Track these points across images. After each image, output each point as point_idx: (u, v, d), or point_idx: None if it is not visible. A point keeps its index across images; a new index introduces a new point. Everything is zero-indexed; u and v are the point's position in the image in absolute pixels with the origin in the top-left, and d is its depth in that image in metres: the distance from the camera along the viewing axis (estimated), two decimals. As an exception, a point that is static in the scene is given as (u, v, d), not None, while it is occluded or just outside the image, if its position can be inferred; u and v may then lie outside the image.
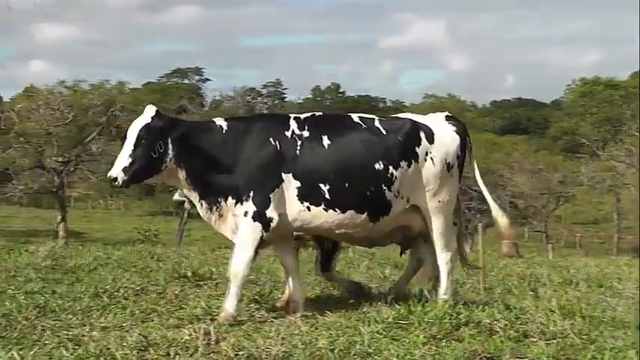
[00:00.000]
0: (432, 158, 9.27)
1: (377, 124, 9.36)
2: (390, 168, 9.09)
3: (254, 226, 8.93)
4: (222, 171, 9.04)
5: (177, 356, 7.09)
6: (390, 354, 7.41)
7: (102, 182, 76.75)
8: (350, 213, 9.08)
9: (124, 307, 9.50)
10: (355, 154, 9.12)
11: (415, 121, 9.51)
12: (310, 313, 9.37)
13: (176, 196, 8.97)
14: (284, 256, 9.75)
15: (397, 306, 9.15)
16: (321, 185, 8.99)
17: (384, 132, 9.27)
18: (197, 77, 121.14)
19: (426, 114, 9.93)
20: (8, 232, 57.49)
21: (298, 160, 9.02)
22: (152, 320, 8.79)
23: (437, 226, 9.45)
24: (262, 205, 8.91)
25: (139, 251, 16.92)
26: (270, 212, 8.92)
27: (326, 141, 9.10)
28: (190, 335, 7.67)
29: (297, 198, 9.00)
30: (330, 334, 8.13)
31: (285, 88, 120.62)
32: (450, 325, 8.47)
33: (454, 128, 9.57)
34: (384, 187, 9.09)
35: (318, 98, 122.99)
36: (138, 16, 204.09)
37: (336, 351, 7.43)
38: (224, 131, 9.21)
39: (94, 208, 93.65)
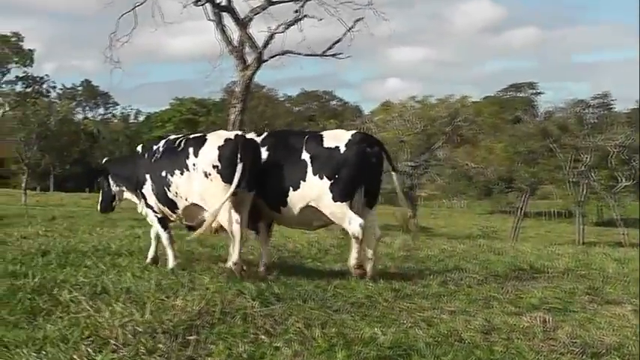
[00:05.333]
0: (196, 168, 10.48)
1: (178, 141, 10.95)
2: (169, 175, 10.78)
3: (150, 212, 11.40)
4: (139, 182, 11.39)
5: (518, 340, 6.97)
6: None
7: (447, 184, 77.94)
8: (161, 207, 11.11)
9: (468, 294, 9.49)
10: (159, 163, 10.97)
11: (192, 138, 10.88)
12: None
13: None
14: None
15: None
16: (153, 186, 11.11)
17: (175, 147, 10.86)
18: (530, 91, 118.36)
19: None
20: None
21: (151, 167, 11.09)
22: (493, 307, 8.70)
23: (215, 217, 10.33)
24: (148, 199, 11.30)
25: (480, 245, 16.84)
26: (151, 203, 11.25)
27: (158, 155, 11.06)
28: (529, 322, 7.52)
29: (153, 195, 11.16)
30: (661, 328, 7.64)
31: (613, 100, 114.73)
32: None
33: (219, 144, 10.42)
34: (166, 189, 10.85)
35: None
36: (480, 38, 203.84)
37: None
38: (139, 153, 11.57)
39: (439, 206, 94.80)
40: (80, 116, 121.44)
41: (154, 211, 11.35)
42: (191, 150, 10.61)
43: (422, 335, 6.93)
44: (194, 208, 10.68)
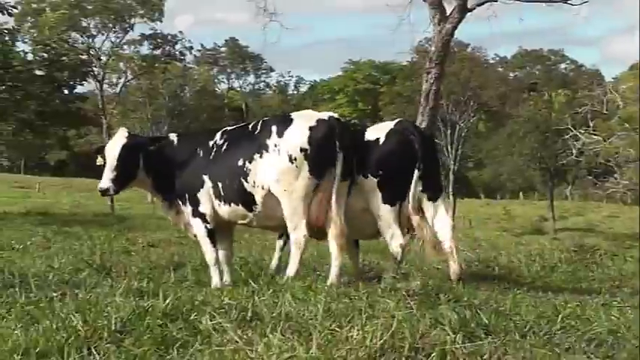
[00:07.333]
0: (278, 150, 11.55)
1: (252, 125, 12.23)
2: (246, 162, 11.76)
3: (195, 221, 12.28)
4: (174, 178, 12.41)
5: None
6: None
7: None
8: (233, 206, 12.00)
9: None
10: (229, 154, 12.03)
11: (275, 118, 12.32)
12: None
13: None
14: (221, 242, 12.52)
15: None
16: (219, 184, 12.05)
17: (250, 131, 12.04)
18: None
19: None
20: (610, 235, 58.31)
21: (210, 164, 12.17)
22: None
23: (285, 209, 11.54)
24: (195, 204, 12.25)
25: None
26: (203, 209, 12.18)
27: (224, 147, 12.18)
28: None
29: (213, 196, 12.12)
30: None
31: None
32: None
33: (311, 125, 11.57)
34: (243, 181, 11.78)
35: None
36: None
37: None
38: (174, 144, 12.62)
39: None
40: (224, 86, 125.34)
41: (205, 220, 12.21)
42: (274, 129, 11.72)
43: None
44: (275, 201, 11.67)
